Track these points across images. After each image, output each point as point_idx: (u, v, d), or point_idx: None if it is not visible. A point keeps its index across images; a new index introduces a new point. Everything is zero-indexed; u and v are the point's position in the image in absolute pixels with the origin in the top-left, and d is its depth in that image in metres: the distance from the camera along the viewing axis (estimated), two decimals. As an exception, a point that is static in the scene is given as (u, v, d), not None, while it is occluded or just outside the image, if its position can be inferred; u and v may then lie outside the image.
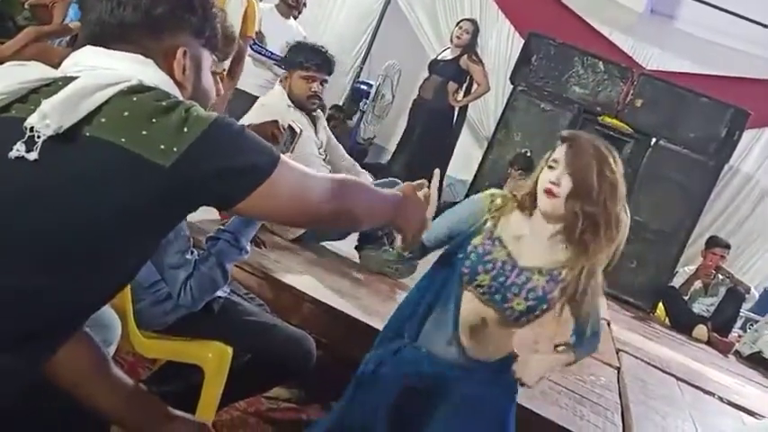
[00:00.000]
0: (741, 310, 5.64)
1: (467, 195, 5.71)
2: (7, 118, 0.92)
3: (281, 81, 3.05)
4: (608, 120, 5.39)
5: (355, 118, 6.49)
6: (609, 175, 1.44)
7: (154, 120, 0.90)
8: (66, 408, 1.08)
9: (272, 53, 4.19)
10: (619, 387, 2.68)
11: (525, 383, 1.46)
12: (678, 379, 3.25)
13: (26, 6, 2.95)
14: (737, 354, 4.93)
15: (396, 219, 1.26)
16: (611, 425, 2.20)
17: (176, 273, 1.65)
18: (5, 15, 2.91)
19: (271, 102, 3.00)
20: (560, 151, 1.47)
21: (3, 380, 0.89)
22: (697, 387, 3.24)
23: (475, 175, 5.68)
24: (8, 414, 0.90)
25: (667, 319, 5.33)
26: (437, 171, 1.44)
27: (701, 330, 4.95)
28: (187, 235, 1.69)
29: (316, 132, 3.03)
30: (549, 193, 1.44)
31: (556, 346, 1.53)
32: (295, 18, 4.64)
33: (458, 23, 5.44)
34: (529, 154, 5.33)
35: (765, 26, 6.30)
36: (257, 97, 3.38)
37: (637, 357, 3.36)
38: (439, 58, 5.51)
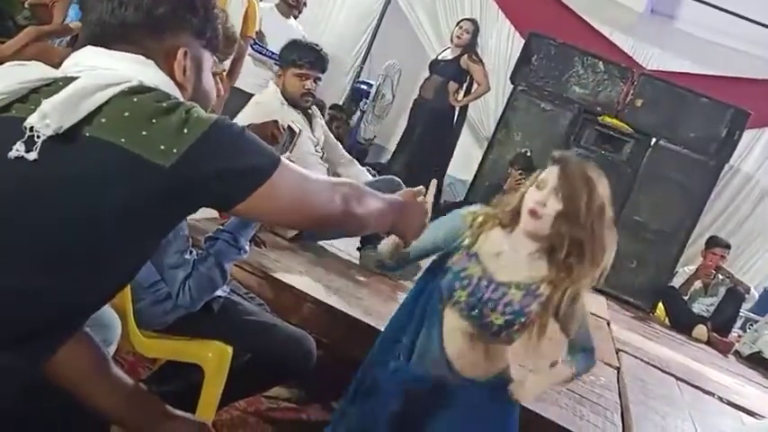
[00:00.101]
0: (741, 310, 5.63)
1: (467, 195, 5.73)
2: (7, 118, 0.92)
3: (275, 79, 3.07)
4: (608, 119, 5.40)
5: (355, 117, 6.49)
6: (597, 200, 1.44)
7: (154, 120, 0.90)
8: (66, 407, 1.08)
9: (272, 52, 4.19)
10: (618, 387, 2.68)
11: (522, 402, 1.47)
12: (678, 379, 3.25)
13: (26, 6, 2.95)
14: (737, 354, 4.92)
15: (397, 224, 1.26)
16: (611, 425, 2.20)
17: (175, 273, 1.66)
18: (5, 15, 2.91)
19: (265, 100, 3.02)
20: (550, 172, 1.47)
21: (3, 379, 0.89)
22: (697, 387, 3.24)
23: (475, 175, 5.68)
24: (8, 414, 0.90)
25: (667, 319, 5.33)
26: (434, 181, 1.43)
27: (700, 330, 4.95)
28: (186, 235, 1.69)
29: (312, 130, 3.04)
30: (533, 213, 1.44)
31: (551, 364, 1.54)
32: (295, 18, 4.65)
33: (458, 23, 5.45)
34: (529, 154, 5.33)
35: (765, 26, 6.30)
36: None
37: (636, 357, 3.36)
38: (439, 57, 5.52)
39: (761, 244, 6.66)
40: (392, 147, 6.06)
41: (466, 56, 5.27)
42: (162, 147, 0.88)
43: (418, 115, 5.48)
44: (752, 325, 5.71)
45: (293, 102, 2.95)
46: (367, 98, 6.52)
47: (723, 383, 3.65)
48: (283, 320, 1.94)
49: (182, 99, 1.00)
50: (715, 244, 5.40)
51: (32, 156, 0.87)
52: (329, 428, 1.65)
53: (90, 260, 0.91)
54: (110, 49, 1.01)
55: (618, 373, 2.89)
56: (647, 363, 3.34)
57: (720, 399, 3.19)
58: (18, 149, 0.87)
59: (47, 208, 0.88)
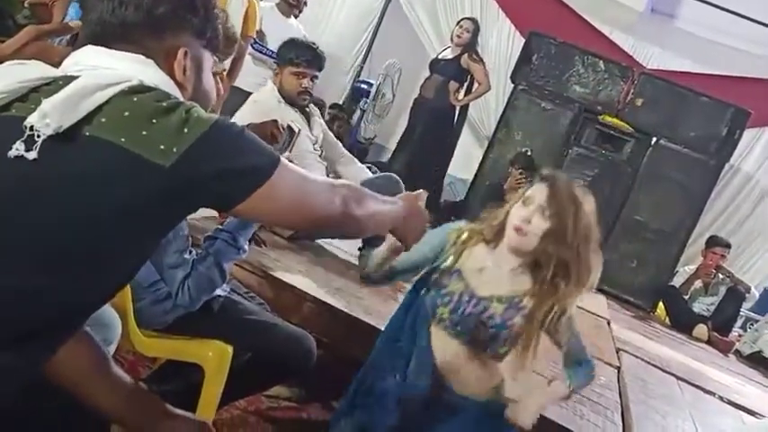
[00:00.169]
0: (741, 310, 5.63)
1: (467, 194, 5.73)
2: (7, 117, 0.92)
3: (273, 78, 3.07)
4: (608, 119, 5.39)
5: (355, 117, 6.48)
6: (584, 219, 1.45)
7: (154, 120, 0.90)
8: (66, 407, 1.08)
9: (272, 52, 4.18)
10: (619, 386, 2.68)
11: (521, 426, 1.46)
12: (678, 378, 3.25)
13: (26, 5, 2.95)
14: (738, 353, 4.92)
15: (398, 228, 1.26)
16: (612, 424, 2.20)
17: (174, 272, 1.66)
18: (5, 14, 2.91)
19: (262, 98, 3.03)
20: (537, 190, 1.47)
21: (3, 379, 0.88)
22: (697, 386, 3.24)
23: (475, 174, 5.68)
24: (8, 414, 0.90)
25: (667, 319, 5.33)
26: (424, 193, 1.43)
27: (701, 330, 4.95)
28: (186, 234, 1.69)
29: (310, 128, 3.04)
30: (518, 230, 1.45)
31: (548, 381, 1.54)
32: (296, 17, 4.65)
33: (458, 22, 5.44)
34: (529, 153, 5.33)
35: (765, 25, 6.30)
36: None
37: (637, 357, 3.36)
38: (440, 57, 5.51)
39: (761, 243, 6.66)
40: (392, 146, 6.06)
41: (466, 55, 5.27)
42: (162, 146, 0.88)
43: (419, 114, 5.48)
44: (752, 324, 5.70)
45: (290, 100, 2.96)
46: (367, 97, 6.51)
47: (723, 383, 3.65)
48: (283, 320, 1.94)
49: (182, 99, 1.00)
50: (715, 243, 5.40)
51: (32, 155, 0.87)
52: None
53: (90, 260, 0.91)
54: (110, 48, 1.01)
55: (618, 372, 2.89)
56: (648, 362, 3.34)
57: (721, 398, 3.19)
58: (18, 149, 0.87)
59: (46, 207, 0.88)
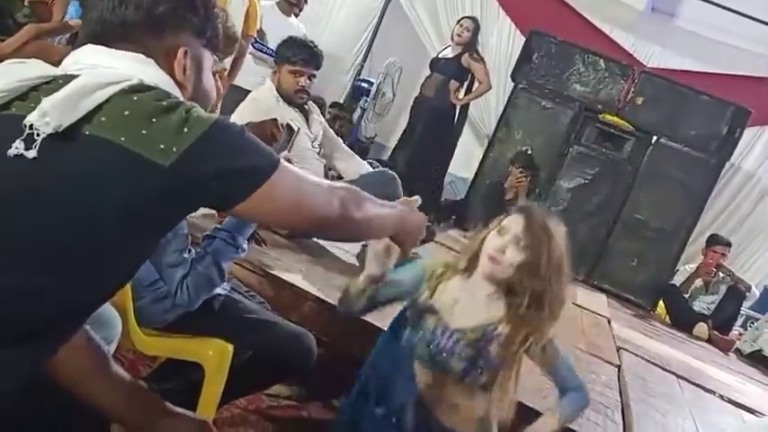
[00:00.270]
0: (742, 308, 5.63)
1: (468, 193, 5.73)
2: (7, 115, 0.92)
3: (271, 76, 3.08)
4: (609, 117, 5.39)
5: (356, 116, 6.48)
6: (557, 252, 1.47)
7: (154, 119, 0.90)
8: (66, 407, 1.08)
9: (272, 50, 4.18)
10: (619, 385, 2.68)
11: None
12: (678, 377, 3.25)
13: (26, 3, 2.95)
14: (738, 352, 4.92)
15: (397, 234, 1.26)
16: (612, 423, 2.20)
17: (173, 271, 1.66)
18: (5, 12, 2.90)
19: (261, 96, 3.04)
20: (513, 221, 1.50)
21: (3, 379, 0.88)
22: (697, 385, 3.24)
23: (476, 173, 5.68)
24: (8, 413, 0.90)
25: (668, 317, 5.32)
26: (419, 198, 1.44)
27: (701, 328, 4.95)
28: (186, 234, 1.70)
29: (308, 126, 3.04)
30: (492, 259, 1.47)
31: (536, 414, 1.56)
32: (296, 15, 4.65)
33: (458, 21, 5.44)
34: (530, 152, 5.34)
35: (766, 24, 6.29)
36: (252, 93, 3.40)
37: (637, 355, 3.36)
38: (440, 56, 5.51)
39: (761, 242, 6.66)
40: (393, 145, 6.06)
41: (467, 54, 5.26)
42: (162, 146, 0.88)
43: (419, 113, 5.48)
44: (753, 323, 5.70)
45: (288, 98, 2.97)
46: (367, 96, 6.51)
47: (724, 381, 3.65)
48: (284, 318, 1.94)
49: (182, 98, 0.99)
50: (716, 242, 5.39)
51: (32, 154, 0.87)
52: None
53: (89, 259, 0.90)
54: (110, 47, 1.01)
55: (618, 371, 2.89)
56: (648, 361, 3.34)
57: (721, 397, 3.19)
58: (17, 147, 0.87)
59: (46, 207, 0.88)
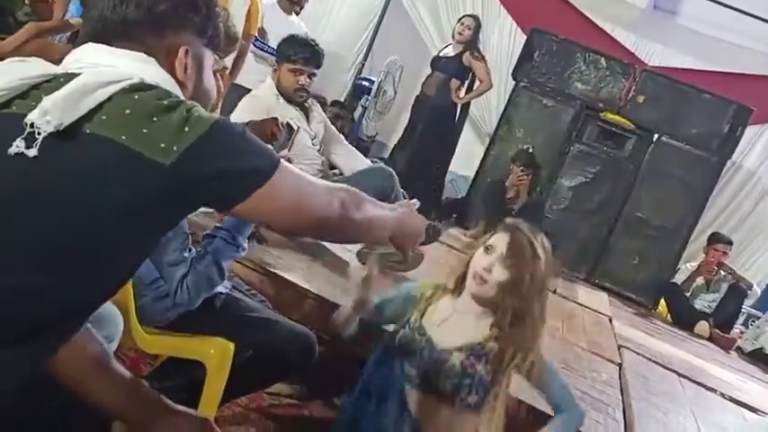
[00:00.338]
0: (743, 307, 5.63)
1: (469, 191, 5.73)
2: (8, 114, 0.92)
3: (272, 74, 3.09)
4: (610, 116, 5.39)
5: (356, 114, 6.48)
6: (539, 274, 1.48)
7: (155, 118, 0.90)
8: (66, 407, 1.08)
9: (273, 49, 4.18)
10: (620, 383, 2.68)
11: None
12: (680, 375, 3.25)
13: (27, 2, 2.95)
14: (739, 350, 4.92)
15: (396, 237, 1.26)
16: (613, 421, 2.20)
17: (174, 270, 1.66)
18: (6, 11, 2.90)
19: (261, 94, 3.05)
20: (499, 239, 1.50)
21: (4, 378, 0.88)
22: (699, 383, 3.23)
23: (477, 172, 5.68)
24: (9, 413, 0.90)
25: (669, 316, 5.32)
26: (417, 202, 1.44)
27: (702, 327, 4.95)
28: (186, 232, 1.69)
29: (309, 123, 3.05)
30: (480, 279, 1.48)
31: None
32: (297, 14, 4.65)
33: (459, 19, 5.43)
34: (531, 150, 5.33)
35: (767, 21, 6.28)
36: (252, 91, 3.40)
37: (638, 353, 3.36)
38: (441, 54, 5.50)
39: (763, 240, 6.65)
40: (394, 143, 6.05)
41: (468, 52, 5.26)
42: (162, 144, 0.88)
43: (420, 112, 5.47)
44: (754, 321, 5.70)
45: (287, 96, 2.98)
46: (368, 95, 6.51)
47: (725, 380, 3.64)
48: (285, 317, 1.94)
49: (182, 97, 0.99)
50: (717, 240, 5.39)
51: (32, 152, 0.87)
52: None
53: (90, 259, 0.90)
54: (111, 46, 1.01)
55: (620, 369, 2.89)
56: (649, 359, 3.34)
57: (722, 395, 3.19)
58: (18, 146, 0.87)
59: (46, 206, 0.88)
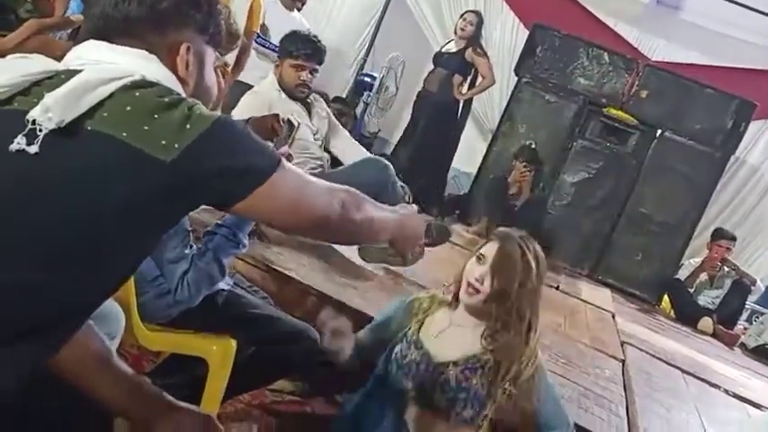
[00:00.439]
0: (747, 303, 5.62)
1: (471, 187, 5.72)
2: (9, 110, 0.91)
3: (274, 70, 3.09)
4: (613, 111, 5.38)
5: (358, 110, 6.47)
6: (529, 285, 1.48)
7: (156, 115, 0.89)
8: (67, 404, 1.08)
9: (275, 46, 4.18)
10: (623, 380, 2.68)
11: None
12: (683, 371, 3.25)
13: (28, -1, 2.95)
14: (743, 346, 4.92)
15: (396, 239, 1.25)
16: (616, 417, 2.20)
17: (174, 267, 1.66)
18: (7, 8, 2.90)
19: (262, 90, 3.06)
20: (491, 248, 1.50)
21: (4, 377, 0.88)
22: (702, 379, 3.23)
23: (479, 168, 5.68)
24: (9, 412, 0.90)
25: (672, 312, 5.32)
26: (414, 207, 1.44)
27: (706, 323, 4.94)
28: (187, 229, 1.69)
29: (311, 119, 3.05)
30: (471, 288, 1.48)
31: None
32: (299, 10, 4.64)
33: (462, 15, 5.41)
34: (533, 146, 5.32)
35: (770, 16, 6.26)
36: (255, 88, 3.39)
37: (642, 350, 3.35)
38: (443, 50, 5.49)
39: (767, 236, 6.64)
40: (396, 140, 6.05)
41: (470, 48, 5.24)
42: (163, 142, 0.88)
43: (422, 108, 5.46)
44: (758, 317, 5.69)
45: (289, 92, 2.98)
46: (370, 91, 6.50)
47: (729, 376, 3.64)
48: (287, 314, 1.94)
49: (184, 94, 0.99)
50: (720, 236, 5.38)
51: (34, 149, 0.87)
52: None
53: (91, 256, 0.90)
54: (112, 42, 1.00)
55: (623, 365, 2.89)
56: (653, 355, 3.34)
57: (726, 391, 3.18)
58: (19, 142, 0.87)
59: (48, 203, 0.88)
